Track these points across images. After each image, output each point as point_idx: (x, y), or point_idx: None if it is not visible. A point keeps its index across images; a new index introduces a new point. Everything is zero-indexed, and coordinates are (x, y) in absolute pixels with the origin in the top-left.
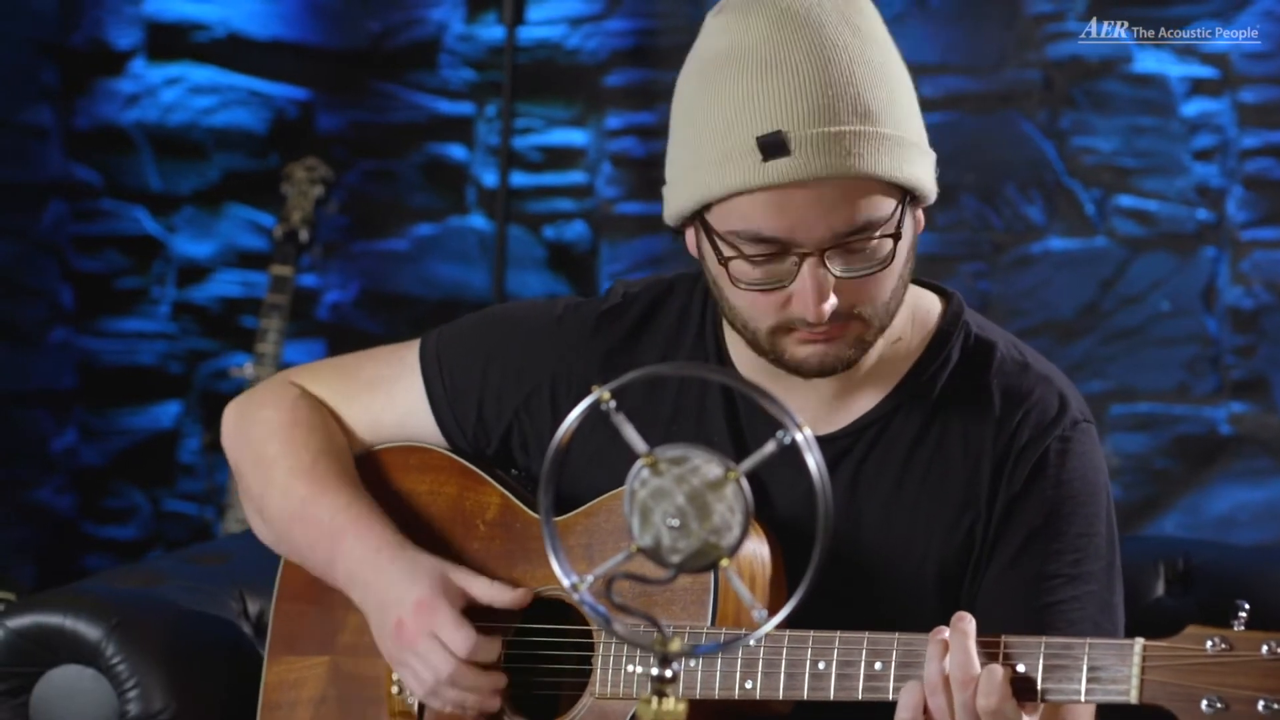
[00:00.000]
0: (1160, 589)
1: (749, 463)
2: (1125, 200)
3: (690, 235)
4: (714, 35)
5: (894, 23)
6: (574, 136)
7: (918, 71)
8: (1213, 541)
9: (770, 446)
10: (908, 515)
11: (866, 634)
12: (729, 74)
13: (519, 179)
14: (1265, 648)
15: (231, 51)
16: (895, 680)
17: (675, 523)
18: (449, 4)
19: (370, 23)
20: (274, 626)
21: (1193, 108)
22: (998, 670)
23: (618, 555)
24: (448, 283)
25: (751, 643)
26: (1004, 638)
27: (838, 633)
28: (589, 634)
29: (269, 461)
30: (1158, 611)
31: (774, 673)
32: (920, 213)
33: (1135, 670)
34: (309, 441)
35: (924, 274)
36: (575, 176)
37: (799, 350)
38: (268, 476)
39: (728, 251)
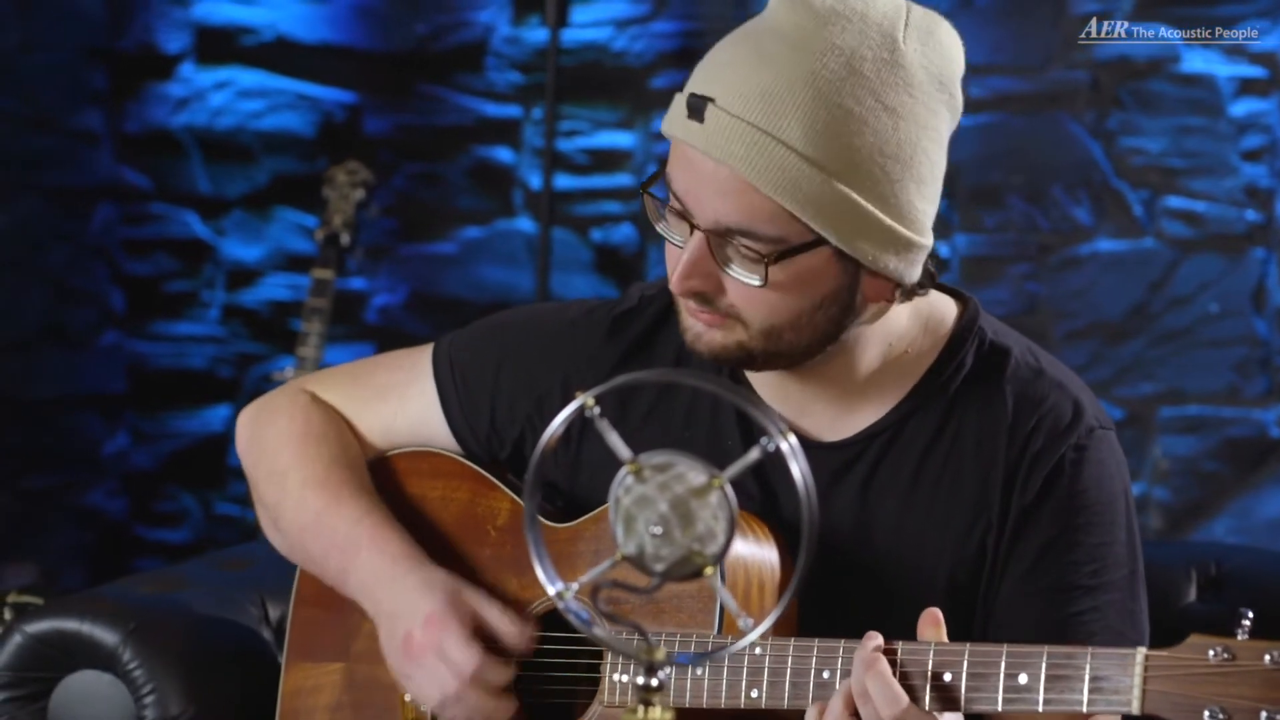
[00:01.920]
0: (1192, 594)
1: (733, 470)
2: (1173, 201)
3: None
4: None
5: None
6: (621, 139)
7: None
8: (1246, 546)
9: (754, 454)
10: (920, 522)
11: None
12: (725, 39)
13: (565, 181)
14: (1268, 657)
15: (279, 55)
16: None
17: (658, 530)
18: (495, 6)
19: (416, 25)
20: (291, 633)
21: (1241, 108)
22: (892, 683)
23: (602, 564)
24: (495, 286)
25: (757, 650)
26: (1007, 647)
27: (842, 641)
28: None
29: (282, 472)
30: (1189, 617)
31: (779, 681)
32: (894, 291)
33: (1137, 680)
34: (321, 452)
35: (971, 275)
36: (622, 179)
37: (684, 320)
38: (282, 487)
39: (654, 187)
